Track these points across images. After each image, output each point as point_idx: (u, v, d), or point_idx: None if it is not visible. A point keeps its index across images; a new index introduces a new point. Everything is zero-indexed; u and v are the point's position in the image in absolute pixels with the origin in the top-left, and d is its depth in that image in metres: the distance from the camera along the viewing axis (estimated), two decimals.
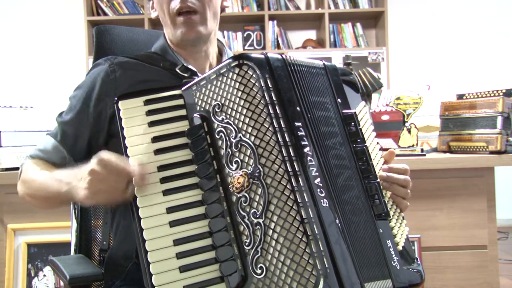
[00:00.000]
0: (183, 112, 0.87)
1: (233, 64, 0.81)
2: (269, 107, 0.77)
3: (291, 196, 0.73)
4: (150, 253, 0.77)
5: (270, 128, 0.77)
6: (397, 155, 1.67)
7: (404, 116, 1.77)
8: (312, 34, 4.47)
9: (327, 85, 0.90)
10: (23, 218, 1.68)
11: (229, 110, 0.80)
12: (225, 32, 4.27)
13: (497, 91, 1.80)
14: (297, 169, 0.75)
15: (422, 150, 1.69)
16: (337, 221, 0.76)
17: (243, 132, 0.78)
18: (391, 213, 0.89)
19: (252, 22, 4.29)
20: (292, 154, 0.76)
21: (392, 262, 0.83)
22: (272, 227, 0.74)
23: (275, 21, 4.24)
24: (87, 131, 1.03)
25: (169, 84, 0.92)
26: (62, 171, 0.94)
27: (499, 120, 1.64)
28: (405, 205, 0.93)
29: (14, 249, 1.70)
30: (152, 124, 0.85)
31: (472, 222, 1.67)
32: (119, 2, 4.24)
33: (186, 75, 1.05)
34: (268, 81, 0.79)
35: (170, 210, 0.80)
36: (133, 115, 0.86)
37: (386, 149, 1.01)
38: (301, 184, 0.74)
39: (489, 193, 1.68)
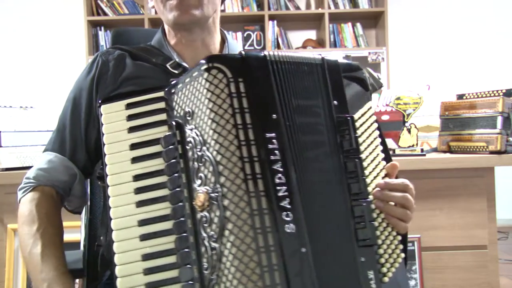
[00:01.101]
0: (163, 116, 0.79)
1: (202, 68, 0.72)
2: (237, 117, 0.69)
3: (248, 221, 0.66)
4: (119, 267, 0.73)
5: (234, 142, 0.68)
6: (397, 155, 1.67)
7: (404, 116, 1.77)
8: (312, 34, 4.47)
9: (321, 85, 0.79)
10: None
11: (198, 119, 0.72)
12: (225, 32, 4.26)
13: (497, 91, 1.80)
14: (260, 189, 0.67)
15: (422, 150, 1.69)
16: (303, 249, 0.68)
17: (207, 145, 0.70)
18: (383, 237, 0.77)
19: (252, 22, 4.29)
20: (257, 171, 0.67)
21: None
22: (226, 254, 0.66)
23: (275, 21, 4.24)
24: (82, 131, 0.99)
25: (159, 81, 0.85)
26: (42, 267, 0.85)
27: (499, 120, 1.64)
28: (403, 227, 0.79)
29: (14, 249, 1.70)
30: (131, 130, 0.79)
31: (472, 222, 1.67)
32: (119, 2, 4.24)
33: (176, 72, 0.97)
34: (241, 85, 0.70)
35: (141, 223, 0.75)
36: (114, 120, 0.81)
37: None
38: (263, 207, 0.66)
39: (489, 193, 1.68)
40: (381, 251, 0.76)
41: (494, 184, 1.69)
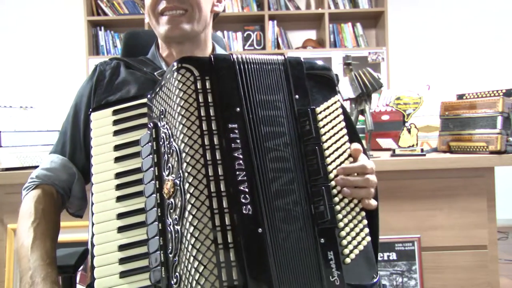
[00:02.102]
0: (145, 120, 0.87)
1: (173, 68, 0.80)
2: (201, 109, 0.75)
3: (205, 202, 0.71)
4: (96, 258, 0.78)
5: (197, 131, 0.74)
6: (397, 155, 1.67)
7: (404, 116, 1.77)
8: (312, 34, 4.47)
9: (283, 81, 0.86)
10: None
11: (168, 115, 0.79)
12: (225, 32, 4.27)
13: (497, 91, 1.80)
14: (219, 174, 0.72)
15: (422, 150, 1.69)
16: (260, 230, 0.72)
17: (174, 137, 0.76)
18: (346, 221, 0.81)
19: (252, 22, 4.29)
20: (217, 157, 0.73)
21: (330, 277, 0.76)
22: (185, 234, 0.71)
23: (275, 21, 4.24)
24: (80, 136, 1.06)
25: (145, 90, 0.94)
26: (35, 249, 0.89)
27: (499, 120, 1.64)
28: (372, 205, 0.84)
29: (14, 249, 1.70)
30: (116, 133, 0.88)
31: (472, 222, 1.67)
32: (119, 2, 4.24)
33: None
34: (207, 82, 0.78)
35: (119, 216, 0.81)
36: (101, 126, 0.89)
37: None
38: (222, 189, 0.71)
39: (489, 193, 1.68)
40: (343, 233, 0.80)
41: (494, 184, 1.69)
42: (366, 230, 0.83)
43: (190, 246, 0.70)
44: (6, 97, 4.11)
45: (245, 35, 4.28)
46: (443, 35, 4.41)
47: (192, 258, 0.69)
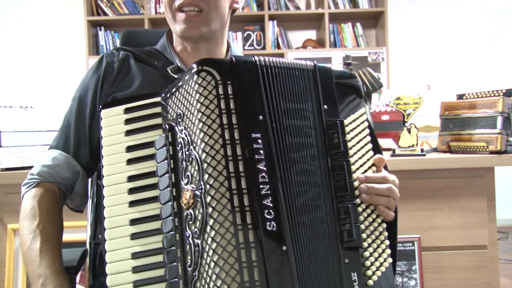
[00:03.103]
0: (159, 120, 0.82)
1: (193, 70, 0.75)
2: (223, 117, 0.71)
3: (229, 218, 0.67)
4: (109, 265, 0.75)
5: (219, 141, 0.70)
6: (397, 155, 1.67)
7: (404, 116, 1.77)
8: (312, 34, 4.47)
9: (312, 89, 0.82)
10: None
11: (187, 120, 0.75)
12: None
13: (497, 91, 1.80)
14: (243, 187, 0.68)
15: (422, 150, 1.69)
16: (284, 247, 0.69)
17: (194, 145, 0.72)
18: (369, 241, 0.78)
19: (252, 22, 4.29)
20: (240, 169, 0.69)
21: None
22: (207, 250, 0.68)
23: (275, 21, 4.24)
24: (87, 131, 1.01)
25: (157, 87, 0.88)
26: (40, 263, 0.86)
27: (499, 120, 1.64)
28: (390, 215, 0.83)
29: (14, 249, 1.70)
30: (128, 133, 0.83)
31: (472, 222, 1.67)
32: (119, 2, 4.24)
33: (176, 76, 0.99)
34: (229, 87, 0.73)
35: (132, 222, 0.77)
36: (112, 124, 0.84)
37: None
38: (245, 204, 0.68)
39: (489, 193, 1.68)
40: (366, 254, 0.77)
41: (494, 184, 1.69)
42: (388, 251, 0.80)
43: (212, 263, 0.66)
44: (6, 97, 4.11)
45: (245, 35, 4.28)
46: (443, 35, 4.41)
47: (214, 276, 0.66)
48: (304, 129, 0.79)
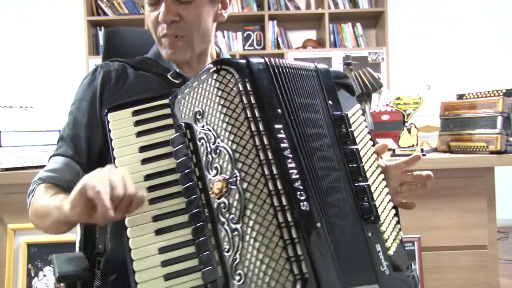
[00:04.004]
0: (170, 121, 0.87)
1: (212, 70, 0.80)
2: (247, 111, 0.77)
3: (267, 200, 0.72)
4: (136, 262, 0.77)
5: (247, 132, 0.76)
6: (397, 155, 1.67)
7: (404, 116, 1.77)
8: (312, 34, 4.47)
9: (317, 87, 0.90)
10: (23, 218, 1.67)
11: (209, 116, 0.80)
12: (225, 32, 4.27)
13: (497, 91, 1.80)
14: (275, 172, 0.73)
15: (422, 150, 1.70)
16: (319, 224, 0.74)
17: (221, 137, 0.77)
18: (383, 216, 0.88)
19: (252, 22, 4.29)
20: (270, 157, 0.74)
21: (381, 267, 0.81)
22: (249, 232, 0.72)
23: (275, 21, 4.24)
24: (88, 137, 1.03)
25: (160, 92, 0.92)
26: (59, 196, 0.89)
27: (499, 120, 1.64)
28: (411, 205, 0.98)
29: (14, 249, 1.70)
30: (139, 134, 0.86)
31: (472, 222, 1.67)
32: (119, 2, 4.24)
33: (177, 81, 1.04)
34: (248, 84, 0.78)
35: (155, 218, 0.80)
36: (121, 127, 0.87)
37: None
38: (279, 187, 0.73)
39: (489, 193, 1.68)
40: (383, 228, 0.86)
41: (494, 184, 1.70)
42: (399, 225, 0.91)
43: (257, 244, 0.71)
44: (6, 97, 4.11)
45: (245, 35, 4.28)
46: (443, 35, 4.41)
47: (261, 255, 0.70)
48: (318, 121, 0.86)
